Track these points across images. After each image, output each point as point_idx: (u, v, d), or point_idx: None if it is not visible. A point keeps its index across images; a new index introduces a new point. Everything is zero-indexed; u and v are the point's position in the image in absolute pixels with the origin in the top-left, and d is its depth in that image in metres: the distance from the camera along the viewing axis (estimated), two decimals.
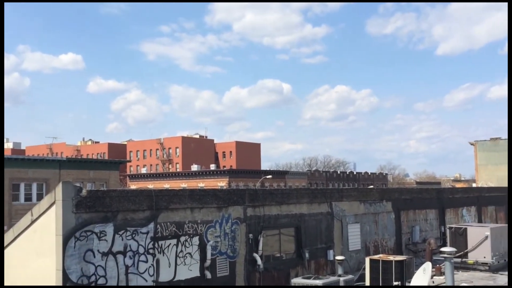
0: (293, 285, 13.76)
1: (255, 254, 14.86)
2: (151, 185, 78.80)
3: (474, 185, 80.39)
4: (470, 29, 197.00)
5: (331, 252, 17.37)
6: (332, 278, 13.81)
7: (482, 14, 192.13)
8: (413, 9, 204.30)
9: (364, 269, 15.52)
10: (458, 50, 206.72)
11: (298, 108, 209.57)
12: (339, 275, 14.50)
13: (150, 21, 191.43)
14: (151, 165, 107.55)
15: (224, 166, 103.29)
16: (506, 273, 17.61)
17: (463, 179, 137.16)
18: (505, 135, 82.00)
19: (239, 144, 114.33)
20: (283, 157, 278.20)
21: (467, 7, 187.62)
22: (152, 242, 12.57)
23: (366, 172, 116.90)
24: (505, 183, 55.44)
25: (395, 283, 14.04)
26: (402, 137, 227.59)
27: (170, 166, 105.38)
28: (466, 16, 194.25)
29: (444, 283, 13.76)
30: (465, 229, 18.68)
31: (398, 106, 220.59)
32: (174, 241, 13.06)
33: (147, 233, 12.51)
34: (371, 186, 74.08)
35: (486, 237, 17.98)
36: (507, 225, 24.68)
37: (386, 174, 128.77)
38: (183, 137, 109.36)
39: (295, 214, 16.50)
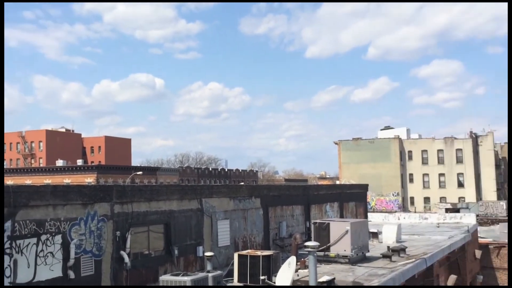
0: (161, 283, 13.55)
1: (122, 252, 14.43)
2: (10, 180, 73.79)
3: (338, 182, 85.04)
4: (337, 34, 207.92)
5: (200, 248, 17.37)
6: (200, 275, 13.81)
7: (348, 20, 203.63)
8: (284, 11, 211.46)
9: (232, 264, 15.72)
10: (325, 54, 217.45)
11: (171, 104, 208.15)
12: (208, 271, 14.54)
13: (11, 4, 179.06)
14: (11, 159, 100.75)
15: (92, 162, 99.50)
16: (364, 265, 18.75)
17: (328, 176, 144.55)
18: (365, 136, 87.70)
19: (108, 139, 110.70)
20: (155, 153, 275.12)
21: (334, 13, 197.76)
22: (9, 242, 11.72)
23: (237, 169, 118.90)
24: (365, 180, 59.18)
25: (262, 278, 14.38)
26: (273, 135, 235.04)
27: (32, 161, 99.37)
28: (334, 21, 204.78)
29: (308, 275, 14.30)
30: (328, 224, 19.58)
31: (269, 105, 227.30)
32: (34, 240, 12.27)
33: (4, 232, 11.63)
34: (242, 183, 75.47)
35: (347, 232, 18.99)
36: (365, 219, 26.32)
37: (257, 171, 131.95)
38: (47, 131, 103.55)
39: (164, 211, 16.28)
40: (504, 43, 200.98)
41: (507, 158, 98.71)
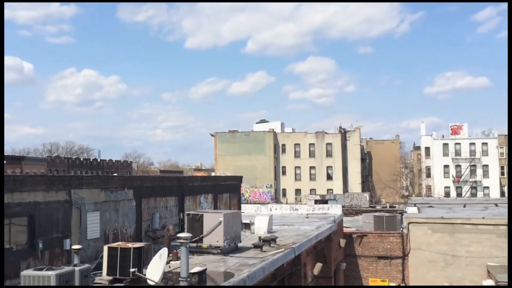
0: (22, 278, 12.78)
1: None
2: None
3: (213, 174, 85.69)
4: (217, 27, 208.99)
5: (67, 241, 16.62)
6: (66, 268, 13.20)
7: (228, 14, 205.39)
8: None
9: (102, 257, 15.24)
10: (205, 45, 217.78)
11: (41, 90, 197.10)
12: (75, 265, 13.95)
13: None
14: None
15: None
16: (236, 255, 19.06)
17: (204, 168, 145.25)
18: (242, 129, 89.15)
19: None
20: (21, 141, 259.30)
21: (214, 5, 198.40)
22: None
23: (110, 160, 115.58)
24: (240, 172, 60.13)
25: (132, 270, 14.10)
26: (149, 126, 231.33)
27: None
28: (214, 14, 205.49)
29: (180, 267, 14.26)
30: (202, 216, 19.66)
31: (146, 94, 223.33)
32: None
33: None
34: (115, 174, 73.42)
35: (220, 223, 19.18)
36: (239, 211, 26.77)
37: (131, 162, 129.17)
38: None
39: (29, 203, 15.36)
40: (374, 44, 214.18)
41: (369, 153, 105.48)
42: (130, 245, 14.97)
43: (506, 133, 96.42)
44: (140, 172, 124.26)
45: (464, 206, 38.16)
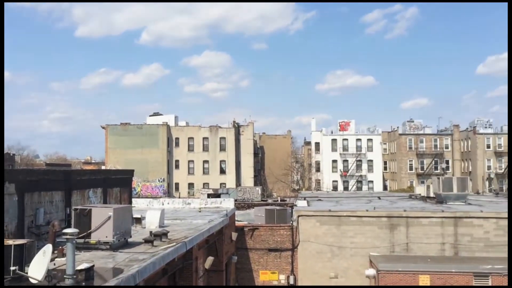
0: None
1: None
2: None
3: (103, 167, 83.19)
4: (110, 16, 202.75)
5: None
6: None
7: (122, 3, 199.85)
8: None
9: None
10: (97, 35, 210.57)
11: None
12: None
13: None
14: None
15: None
16: (125, 250, 18.63)
17: (94, 161, 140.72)
18: (135, 121, 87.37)
19: None
20: None
21: None
22: None
23: None
24: (131, 166, 58.87)
25: (13, 268, 13.35)
26: (35, 117, 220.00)
27: None
28: (107, 2, 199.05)
29: (66, 264, 13.70)
30: (90, 210, 19.01)
31: (32, 83, 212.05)
32: None
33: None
34: None
35: (109, 217, 18.66)
36: (130, 205, 26.19)
37: (14, 154, 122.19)
38: None
39: None
40: (268, 41, 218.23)
41: (262, 148, 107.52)
42: (10, 242, 14.16)
43: (390, 130, 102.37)
44: (23, 165, 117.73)
45: (370, 202, 39.28)
